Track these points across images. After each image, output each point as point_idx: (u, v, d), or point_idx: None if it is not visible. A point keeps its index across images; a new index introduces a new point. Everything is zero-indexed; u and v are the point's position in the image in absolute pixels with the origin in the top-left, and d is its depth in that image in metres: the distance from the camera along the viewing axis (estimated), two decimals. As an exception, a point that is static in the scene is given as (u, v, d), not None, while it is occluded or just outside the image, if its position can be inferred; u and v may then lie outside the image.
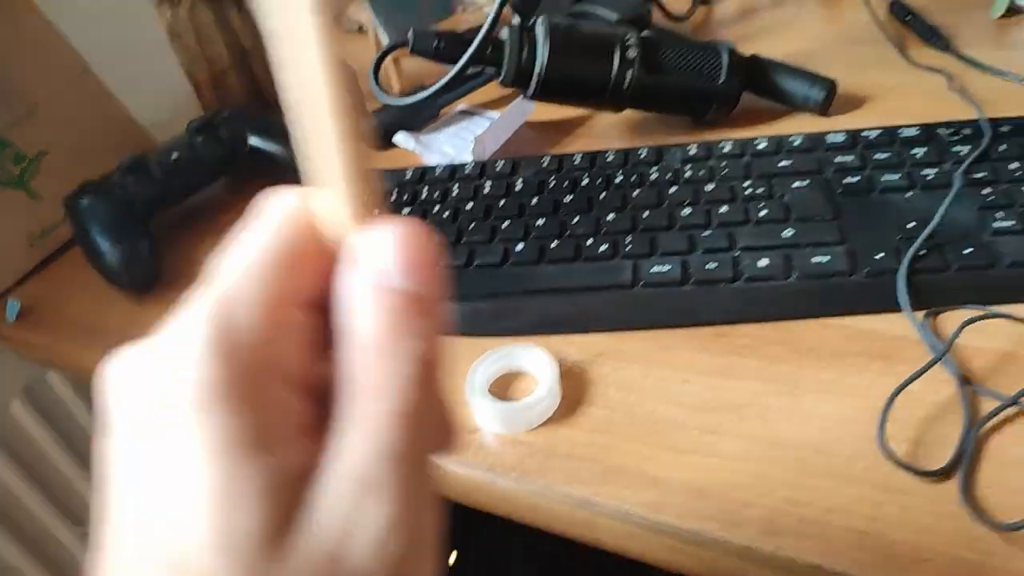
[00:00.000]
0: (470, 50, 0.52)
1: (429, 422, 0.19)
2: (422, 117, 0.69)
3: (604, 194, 0.54)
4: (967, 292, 0.44)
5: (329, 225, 0.19)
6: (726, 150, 0.56)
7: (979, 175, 0.50)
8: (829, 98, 0.61)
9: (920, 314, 0.44)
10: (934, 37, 0.68)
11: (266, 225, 0.19)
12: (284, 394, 0.18)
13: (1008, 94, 0.61)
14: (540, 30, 0.55)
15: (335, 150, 0.18)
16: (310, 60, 0.17)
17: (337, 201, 0.19)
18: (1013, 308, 0.44)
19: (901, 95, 0.63)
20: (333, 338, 0.19)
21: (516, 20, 0.56)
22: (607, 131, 0.66)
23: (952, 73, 0.64)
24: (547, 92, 0.57)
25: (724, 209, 0.51)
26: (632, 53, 0.56)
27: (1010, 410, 0.38)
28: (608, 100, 0.58)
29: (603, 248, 0.50)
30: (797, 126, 0.61)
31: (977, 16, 0.71)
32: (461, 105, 0.71)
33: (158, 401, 0.17)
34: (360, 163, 0.18)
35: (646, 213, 0.51)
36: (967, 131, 0.53)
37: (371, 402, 0.18)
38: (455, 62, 0.55)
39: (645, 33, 0.59)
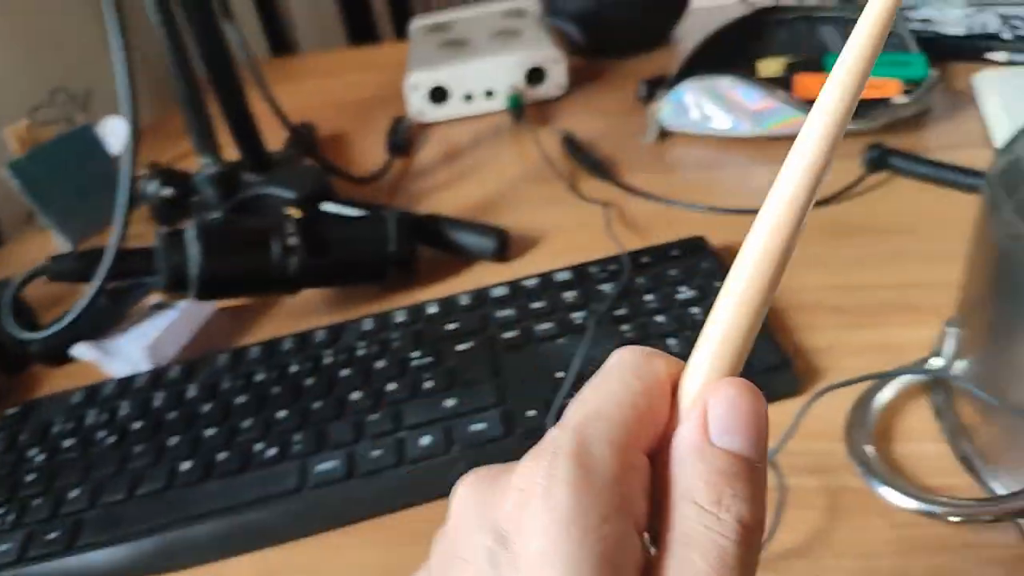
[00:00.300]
0: (101, 270, 0.50)
1: None
2: (106, 320, 0.65)
3: (277, 388, 0.53)
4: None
5: (687, 383, 0.21)
6: (399, 320, 0.56)
7: (619, 312, 0.53)
8: (502, 246, 0.64)
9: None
10: (599, 169, 0.73)
11: (628, 377, 0.21)
12: (631, 532, 0.19)
13: (663, 216, 0.66)
14: (190, 234, 0.54)
15: (746, 310, 0.20)
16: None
17: (707, 361, 0.20)
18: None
19: (571, 231, 0.67)
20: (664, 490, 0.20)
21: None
22: (305, 307, 0.65)
23: (615, 203, 0.69)
24: (210, 291, 0.56)
25: (393, 387, 0.51)
26: (293, 240, 0.56)
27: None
28: (277, 288, 0.57)
29: (272, 452, 0.48)
30: (477, 277, 0.63)
31: (635, 143, 0.78)
32: (153, 299, 0.69)
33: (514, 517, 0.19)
34: (754, 329, 0.20)
35: (317, 403, 0.51)
36: (613, 267, 0.57)
37: (688, 550, 0.19)
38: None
39: (309, 214, 0.60)
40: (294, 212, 0.66)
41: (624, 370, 0.21)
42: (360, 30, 1.50)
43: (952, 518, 0.37)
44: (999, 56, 0.77)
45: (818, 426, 0.45)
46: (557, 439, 0.20)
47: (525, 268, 0.62)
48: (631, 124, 0.82)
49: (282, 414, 0.50)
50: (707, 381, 0.20)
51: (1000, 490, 0.39)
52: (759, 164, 0.71)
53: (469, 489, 0.21)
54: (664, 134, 0.78)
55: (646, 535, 0.20)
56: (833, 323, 0.52)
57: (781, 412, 0.46)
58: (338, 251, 0.58)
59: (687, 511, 0.19)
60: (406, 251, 0.61)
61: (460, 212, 0.73)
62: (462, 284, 0.62)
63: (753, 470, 0.19)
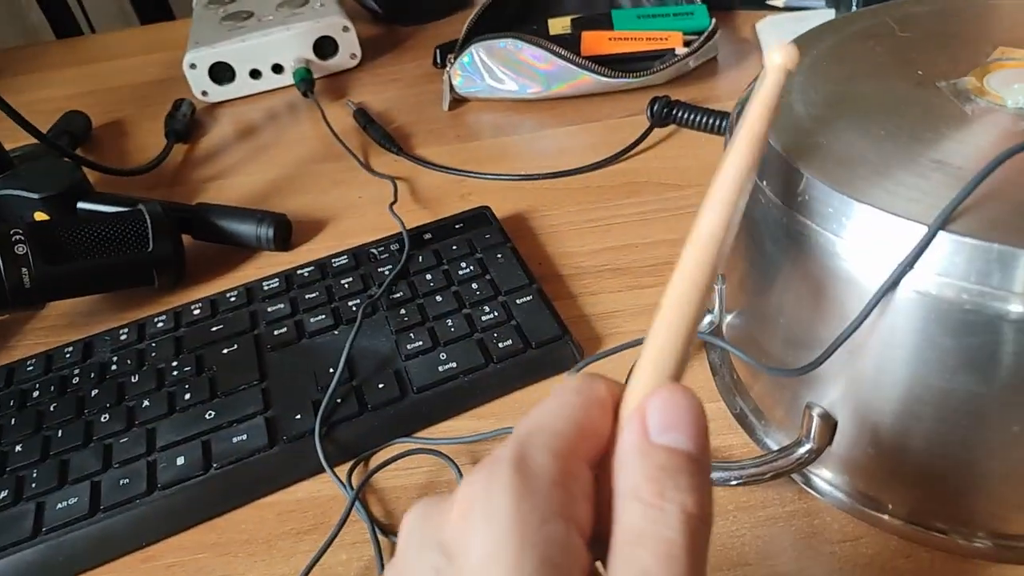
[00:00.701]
0: None
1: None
2: None
3: (15, 419, 0.46)
4: (386, 430, 0.43)
5: (628, 397, 0.21)
6: (160, 326, 0.51)
7: (398, 295, 0.49)
8: (283, 233, 0.59)
9: (346, 467, 0.42)
10: (391, 142, 0.69)
11: (568, 395, 0.21)
12: (574, 536, 0.19)
13: (456, 188, 0.63)
14: None
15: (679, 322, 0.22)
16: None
17: (644, 376, 0.21)
18: (432, 431, 0.43)
19: (361, 211, 0.63)
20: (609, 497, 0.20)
21: None
22: (64, 319, 0.58)
23: (408, 177, 0.66)
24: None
25: (147, 403, 0.45)
26: (21, 248, 0.49)
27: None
28: (15, 304, 0.50)
29: (3, 494, 0.42)
30: (259, 270, 0.58)
31: (432, 113, 0.75)
32: None
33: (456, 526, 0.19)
34: (678, 348, 0.21)
35: (60, 432, 0.45)
36: (395, 246, 0.54)
37: (634, 547, 0.18)
38: None
39: (56, 216, 0.53)
40: (40, 215, 0.59)
41: (565, 390, 0.21)
42: (154, 8, 1.38)
43: (733, 482, 0.36)
44: (778, 1, 0.78)
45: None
46: (498, 451, 0.20)
47: (311, 255, 0.57)
48: (428, 93, 0.78)
49: (18, 448, 0.44)
50: (645, 392, 0.21)
51: (774, 446, 0.39)
52: (551, 126, 0.69)
53: (413, 514, 0.21)
54: (459, 101, 0.75)
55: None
56: (616, 285, 0.51)
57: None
58: (84, 256, 0.52)
59: (631, 508, 0.19)
60: (167, 250, 0.55)
61: (244, 199, 0.67)
62: (243, 278, 0.57)
63: (695, 463, 0.20)
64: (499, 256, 0.51)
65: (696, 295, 0.22)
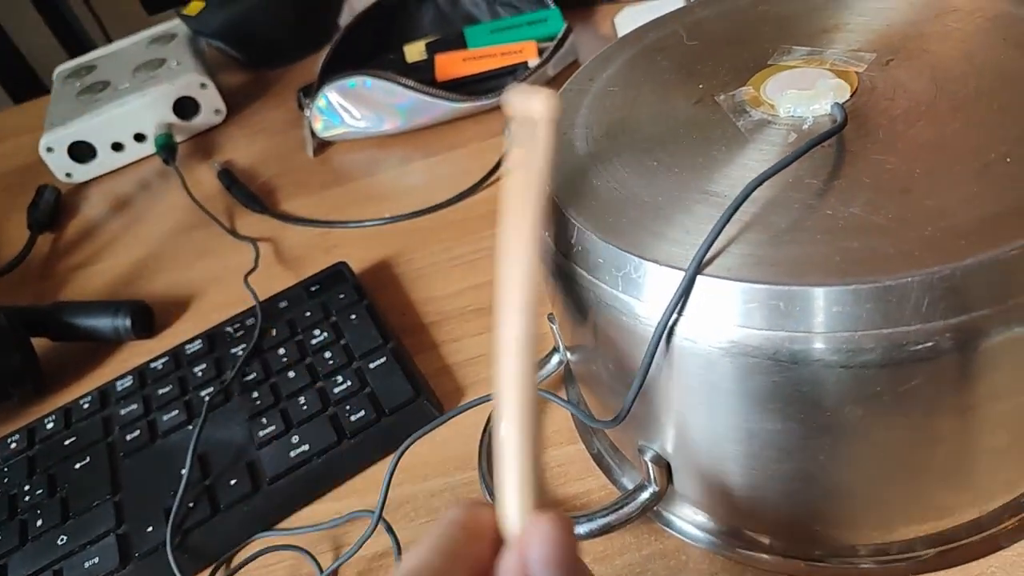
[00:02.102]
0: None
1: None
2: None
3: None
4: (242, 529, 0.41)
5: (500, 521, 0.23)
6: (13, 446, 0.49)
7: (252, 376, 0.48)
8: (143, 321, 0.57)
9: (207, 573, 0.40)
10: (255, 201, 0.67)
11: (440, 529, 0.22)
12: None
13: (322, 240, 0.61)
14: None
15: (519, 454, 0.22)
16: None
17: (508, 500, 0.22)
18: (293, 520, 0.42)
19: (223, 283, 0.60)
20: None
21: None
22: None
23: (273, 237, 0.64)
24: None
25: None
26: None
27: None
28: None
29: None
30: (121, 362, 0.56)
31: (298, 160, 0.72)
32: None
33: None
34: (533, 468, 0.22)
35: (-95, 586, 0.42)
36: (251, 321, 0.52)
37: None
38: None
39: None
40: None
41: (447, 525, 0.22)
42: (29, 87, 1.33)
43: (585, 533, 0.35)
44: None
45: (460, 452, 0.42)
46: None
47: (175, 339, 0.55)
48: (294, 140, 0.76)
49: None
50: (517, 519, 0.22)
51: (630, 486, 0.38)
52: (416, 159, 0.67)
53: None
54: (325, 143, 0.73)
55: None
56: (479, 327, 0.49)
57: (431, 446, 0.42)
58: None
59: None
60: (18, 364, 0.52)
61: (110, 286, 0.65)
62: (105, 376, 0.55)
63: None
64: (353, 317, 0.49)
65: (531, 408, 0.23)
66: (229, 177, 0.71)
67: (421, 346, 0.49)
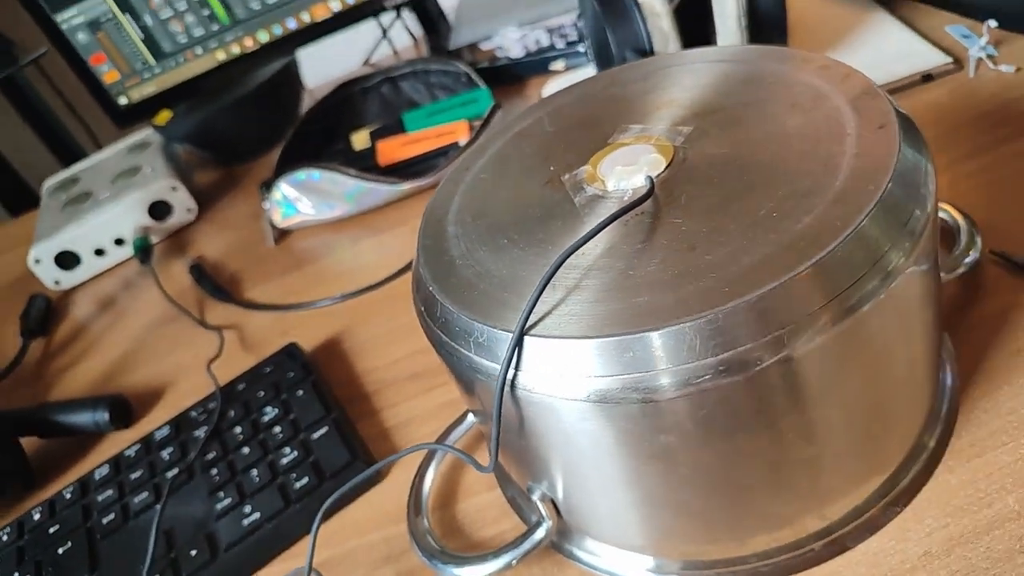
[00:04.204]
0: None
1: None
2: None
3: None
4: (203, 596, 0.45)
5: None
6: (5, 539, 0.53)
7: (212, 455, 0.52)
8: (120, 413, 0.62)
9: (172, 641, 0.44)
10: (220, 293, 0.73)
11: None
12: None
13: (280, 325, 0.67)
14: None
15: None
16: None
17: None
18: (249, 584, 0.46)
19: (193, 372, 0.66)
20: None
21: None
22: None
23: (238, 325, 0.69)
24: None
25: (-12, 624, 0.48)
26: None
27: None
28: None
29: None
30: (103, 453, 0.61)
31: (262, 249, 0.78)
32: None
33: None
34: None
35: (-90, 675, 0.47)
36: (213, 404, 0.57)
37: None
38: None
39: None
40: None
41: None
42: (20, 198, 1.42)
43: (492, 567, 0.39)
44: (559, 65, 0.83)
45: (394, 507, 0.47)
46: None
47: (151, 427, 0.60)
48: (259, 231, 0.82)
49: None
50: None
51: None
52: (365, 238, 0.73)
53: None
54: (286, 232, 0.79)
55: None
56: (414, 391, 0.54)
57: (369, 503, 0.47)
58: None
59: None
60: (7, 464, 0.57)
61: (95, 383, 0.70)
62: (88, 467, 0.60)
63: None
64: (300, 393, 0.54)
65: None
66: (199, 271, 0.77)
67: (363, 413, 0.54)
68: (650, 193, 0.34)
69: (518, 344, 0.30)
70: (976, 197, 0.50)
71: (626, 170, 0.36)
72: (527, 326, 0.30)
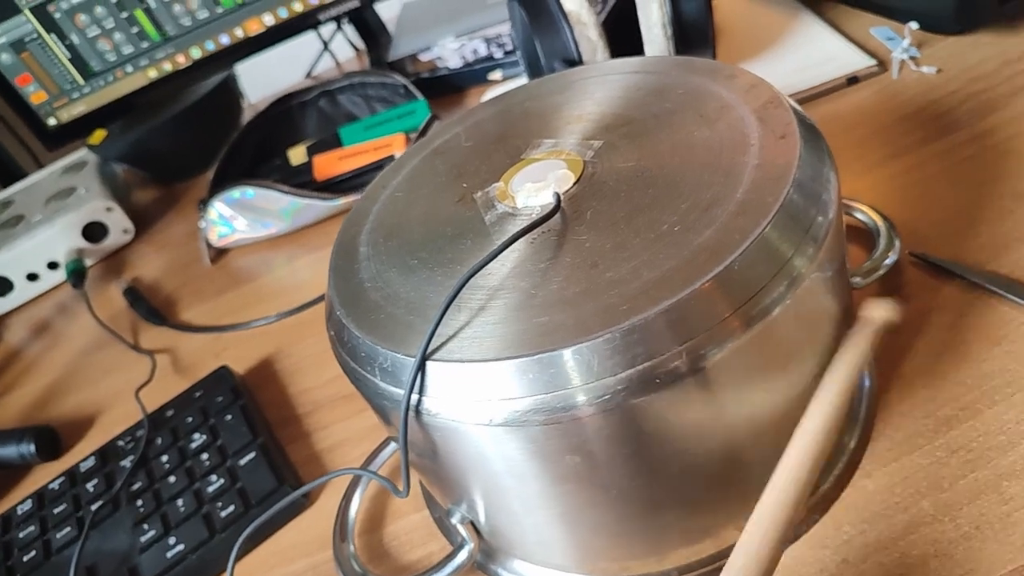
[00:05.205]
0: None
1: None
2: None
3: None
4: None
5: None
6: (-79, 583, 0.51)
7: (138, 485, 0.51)
8: (47, 444, 0.60)
9: None
10: (153, 316, 0.71)
11: None
12: None
13: (213, 346, 0.65)
14: None
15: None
16: None
17: None
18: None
19: (124, 398, 0.64)
20: None
21: None
22: None
23: (171, 348, 0.67)
24: None
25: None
26: None
27: None
28: None
29: None
30: (28, 487, 0.59)
31: (198, 269, 0.77)
32: None
33: None
34: None
35: None
36: (141, 432, 0.55)
37: None
38: None
39: None
40: None
41: None
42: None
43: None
44: (496, 75, 0.83)
45: (321, 534, 0.46)
46: None
47: (79, 457, 0.59)
48: (195, 251, 0.80)
49: None
50: None
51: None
52: (301, 256, 0.72)
53: None
54: (223, 251, 0.77)
55: None
56: (345, 413, 0.53)
57: (298, 530, 0.46)
58: None
59: None
60: (-75, 500, 0.55)
61: (24, 413, 0.68)
62: (15, 500, 0.58)
63: None
64: (229, 417, 0.53)
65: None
66: (133, 294, 0.75)
67: (294, 436, 0.53)
68: (556, 210, 0.33)
69: (419, 369, 0.30)
70: (898, 199, 0.50)
71: (535, 187, 0.36)
72: (429, 351, 0.30)
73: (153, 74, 0.85)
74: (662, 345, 0.28)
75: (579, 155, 0.37)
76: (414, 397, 0.30)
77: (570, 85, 0.43)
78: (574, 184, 0.35)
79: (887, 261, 0.44)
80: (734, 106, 0.36)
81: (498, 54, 0.84)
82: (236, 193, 0.72)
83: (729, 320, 0.28)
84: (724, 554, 0.35)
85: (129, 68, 0.84)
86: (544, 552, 0.36)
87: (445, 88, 0.85)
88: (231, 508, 0.47)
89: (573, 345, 0.27)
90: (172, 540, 0.46)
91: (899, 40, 0.62)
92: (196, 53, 0.84)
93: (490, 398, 0.29)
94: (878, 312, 0.34)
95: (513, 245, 0.33)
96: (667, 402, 0.29)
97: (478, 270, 0.31)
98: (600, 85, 0.42)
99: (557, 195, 0.34)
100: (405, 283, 0.34)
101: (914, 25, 0.60)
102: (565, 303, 0.29)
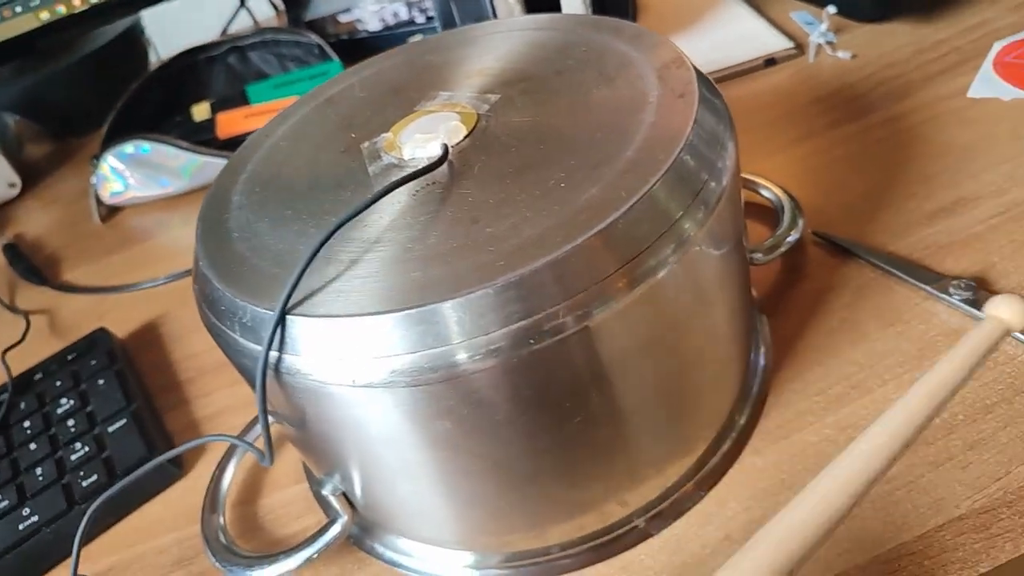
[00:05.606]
0: None
1: None
2: None
3: None
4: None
5: None
6: None
7: (-6, 453, 0.47)
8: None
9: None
10: (33, 275, 0.66)
11: None
12: None
13: (97, 308, 0.61)
14: None
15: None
16: None
17: None
18: (23, 596, 0.41)
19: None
20: None
21: None
22: None
23: (51, 308, 0.63)
24: None
25: None
26: None
27: None
28: None
29: None
30: None
31: (87, 227, 0.72)
32: None
33: None
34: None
35: None
36: (3, 396, 0.51)
37: None
38: None
39: None
40: None
41: None
42: None
43: (286, 566, 0.36)
44: (416, 39, 0.80)
45: (191, 506, 0.43)
46: None
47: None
48: (86, 208, 0.75)
49: None
50: None
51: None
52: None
53: None
54: (115, 209, 0.73)
55: None
56: (229, 379, 0.50)
57: (167, 502, 0.43)
58: None
59: None
60: None
61: None
62: None
63: None
64: (101, 382, 0.49)
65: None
66: (13, 251, 0.70)
67: (174, 403, 0.49)
68: (441, 162, 0.31)
69: (279, 324, 0.27)
70: (806, 179, 0.50)
71: (424, 138, 0.33)
72: (291, 305, 0.27)
73: (45, 16, 0.79)
74: (542, 302, 0.26)
75: (474, 109, 0.35)
76: (274, 355, 0.28)
77: (474, 40, 0.41)
78: (465, 137, 0.33)
79: (789, 239, 0.44)
80: (635, 64, 0.34)
81: (420, 18, 0.81)
82: (130, 147, 0.68)
83: (613, 278, 0.26)
84: (607, 530, 0.34)
85: (18, 8, 0.78)
86: (422, 526, 0.34)
87: (364, 51, 0.81)
88: (93, 478, 0.43)
89: (445, 301, 0.25)
90: (26, 511, 0.43)
91: (817, 24, 0.62)
92: (95, -3, 0.79)
93: (356, 356, 0.27)
94: (1008, 314, 0.33)
95: (395, 197, 0.31)
96: (546, 363, 0.27)
97: (348, 220, 0.28)
98: (504, 40, 0.40)
99: (445, 146, 0.32)
100: (275, 234, 0.31)
101: (832, 10, 0.60)
102: (439, 258, 0.27)
